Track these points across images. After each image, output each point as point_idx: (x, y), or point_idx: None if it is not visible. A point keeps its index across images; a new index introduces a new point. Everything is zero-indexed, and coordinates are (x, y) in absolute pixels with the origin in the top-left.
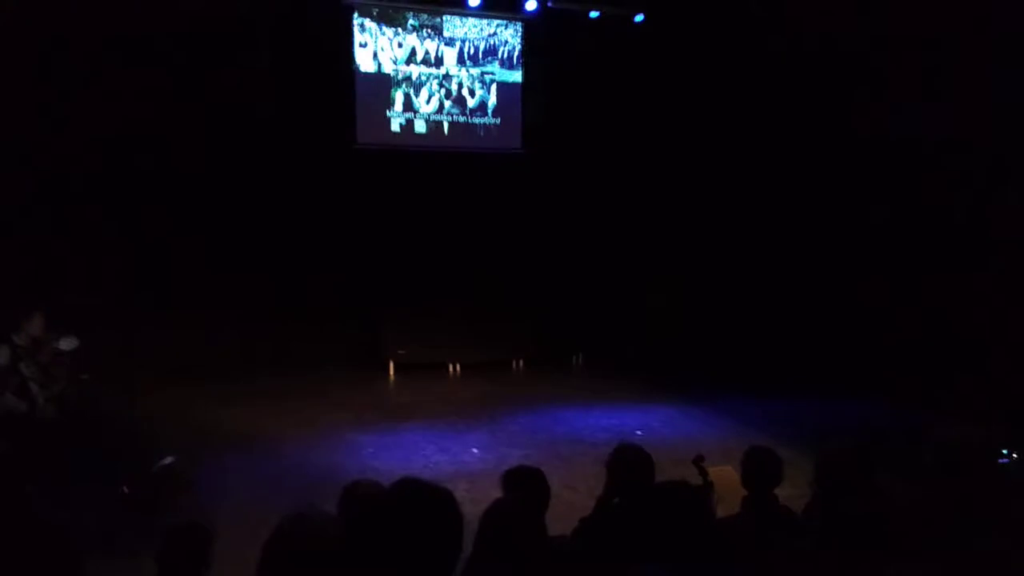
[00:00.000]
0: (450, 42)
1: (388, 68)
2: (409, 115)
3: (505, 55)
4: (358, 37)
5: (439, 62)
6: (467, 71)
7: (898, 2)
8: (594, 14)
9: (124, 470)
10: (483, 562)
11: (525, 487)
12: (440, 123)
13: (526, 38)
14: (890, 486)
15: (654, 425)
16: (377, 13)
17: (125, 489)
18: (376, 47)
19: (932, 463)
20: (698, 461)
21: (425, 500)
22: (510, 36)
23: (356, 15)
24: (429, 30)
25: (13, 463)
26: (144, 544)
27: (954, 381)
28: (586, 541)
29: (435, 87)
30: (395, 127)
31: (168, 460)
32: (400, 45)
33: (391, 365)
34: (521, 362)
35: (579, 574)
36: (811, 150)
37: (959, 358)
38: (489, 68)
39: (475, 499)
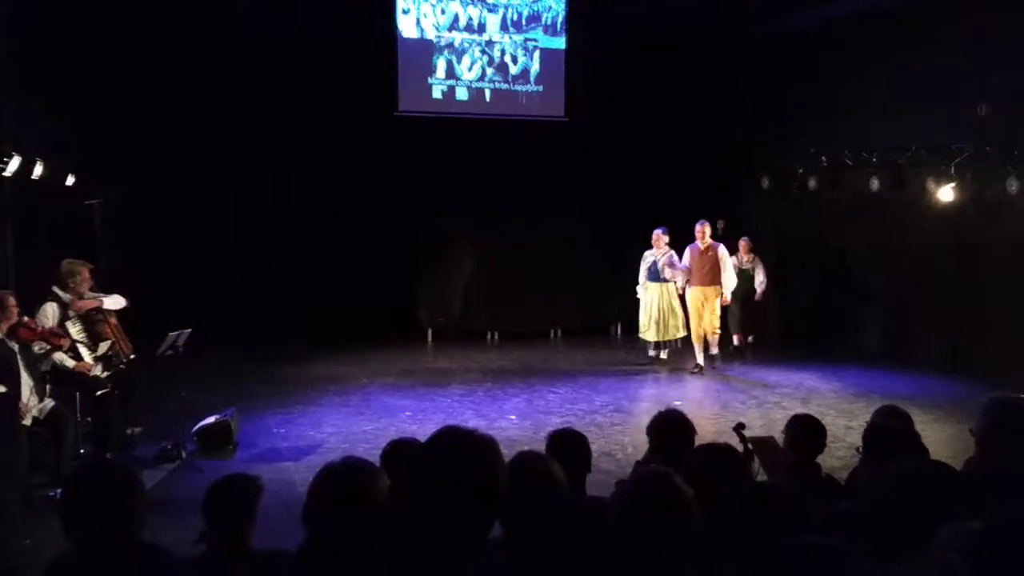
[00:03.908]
0: (493, 8)
1: (430, 34)
2: (451, 82)
3: (548, 21)
4: (400, 3)
5: (482, 28)
6: (510, 37)
7: None
8: None
9: (165, 429)
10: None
11: (569, 449)
12: (482, 90)
13: (570, 4)
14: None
15: (695, 396)
16: None
17: (169, 447)
18: (419, 13)
19: (984, 424)
20: (739, 429)
21: (467, 444)
22: (553, 2)
23: None
24: None
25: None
26: (191, 500)
27: None
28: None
29: (477, 54)
30: (437, 94)
31: (210, 420)
32: (443, 11)
33: (429, 333)
34: (559, 332)
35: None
36: None
37: None
38: (532, 35)
39: None
